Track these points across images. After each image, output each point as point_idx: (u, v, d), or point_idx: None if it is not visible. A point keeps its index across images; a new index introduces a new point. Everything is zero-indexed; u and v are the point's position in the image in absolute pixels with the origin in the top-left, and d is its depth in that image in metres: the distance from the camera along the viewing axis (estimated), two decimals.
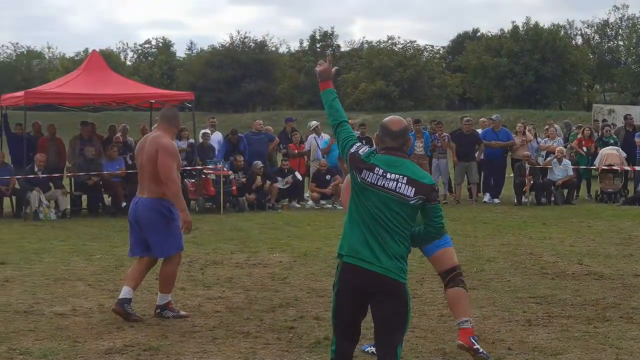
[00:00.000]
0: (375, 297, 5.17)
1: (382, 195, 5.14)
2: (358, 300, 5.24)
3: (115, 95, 19.50)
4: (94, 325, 8.08)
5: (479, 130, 21.75)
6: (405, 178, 5.14)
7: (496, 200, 20.55)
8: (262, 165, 19.54)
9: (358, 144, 5.34)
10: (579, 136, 22.37)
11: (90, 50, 22.58)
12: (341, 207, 19.52)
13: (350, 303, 5.24)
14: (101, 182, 18.71)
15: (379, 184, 5.14)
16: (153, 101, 20.56)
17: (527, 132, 21.70)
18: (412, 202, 5.11)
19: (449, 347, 7.19)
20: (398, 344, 5.25)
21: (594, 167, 21.10)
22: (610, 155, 20.83)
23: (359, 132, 22.00)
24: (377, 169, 5.16)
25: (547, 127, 23.65)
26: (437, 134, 20.86)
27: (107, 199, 19.11)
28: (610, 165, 20.62)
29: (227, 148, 20.66)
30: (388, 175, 5.14)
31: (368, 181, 5.16)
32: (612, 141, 21.80)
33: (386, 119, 5.47)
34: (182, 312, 8.52)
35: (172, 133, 8.41)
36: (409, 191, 5.11)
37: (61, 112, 26.32)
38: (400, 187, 5.12)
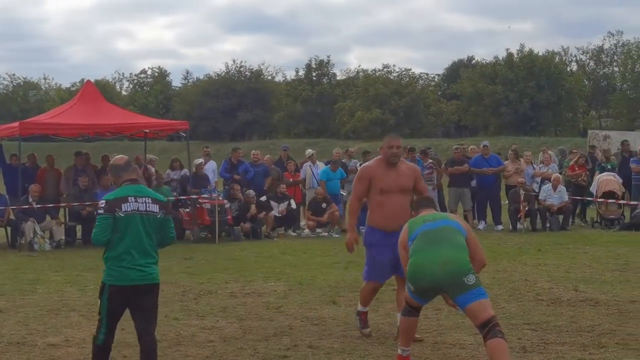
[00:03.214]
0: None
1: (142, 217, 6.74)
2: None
3: (110, 125, 19.48)
4: (86, 356, 8.01)
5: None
6: (150, 199, 6.81)
7: (500, 227, 20.48)
8: (254, 194, 19.50)
9: None
10: (571, 163, 22.35)
11: (86, 81, 22.49)
12: (337, 235, 19.54)
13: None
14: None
15: (139, 209, 6.69)
16: (148, 131, 20.56)
17: (521, 160, 21.72)
18: (158, 216, 6.77)
19: None
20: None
21: (589, 199, 21.11)
22: (609, 181, 20.85)
23: (362, 160, 22.08)
24: (130, 197, 6.70)
25: (541, 153, 23.73)
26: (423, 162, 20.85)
27: None
28: (610, 191, 20.65)
29: (226, 167, 20.61)
30: (140, 200, 6.73)
31: (129, 210, 6.66)
32: (609, 166, 21.84)
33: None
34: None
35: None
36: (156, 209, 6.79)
37: (56, 142, 26.32)
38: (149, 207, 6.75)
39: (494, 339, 6.70)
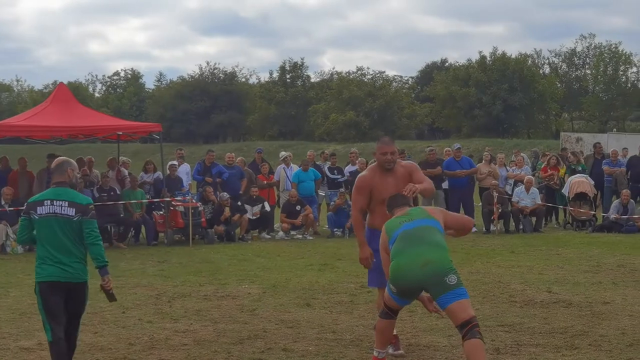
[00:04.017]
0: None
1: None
2: None
3: (83, 127, 19.36)
4: None
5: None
6: (67, 202, 6.95)
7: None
8: (229, 196, 19.45)
9: None
10: (543, 165, 22.50)
11: (58, 83, 22.37)
12: (311, 238, 19.55)
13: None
14: None
15: (55, 211, 6.92)
16: (121, 133, 20.46)
17: (492, 164, 21.79)
18: (74, 219, 6.92)
19: None
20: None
21: (559, 207, 21.25)
22: (581, 183, 20.97)
23: (329, 162, 22.12)
24: (46, 201, 6.96)
25: (514, 155, 23.86)
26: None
27: None
28: (582, 192, 20.79)
29: (200, 169, 20.53)
30: (56, 203, 6.93)
31: (44, 213, 6.93)
32: (580, 169, 21.98)
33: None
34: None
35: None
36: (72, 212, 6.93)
37: (29, 145, 26.14)
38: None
39: (471, 340, 6.72)
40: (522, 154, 24.22)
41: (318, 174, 21.01)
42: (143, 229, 19.31)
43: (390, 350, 7.94)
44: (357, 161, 21.74)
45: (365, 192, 8.27)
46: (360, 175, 8.67)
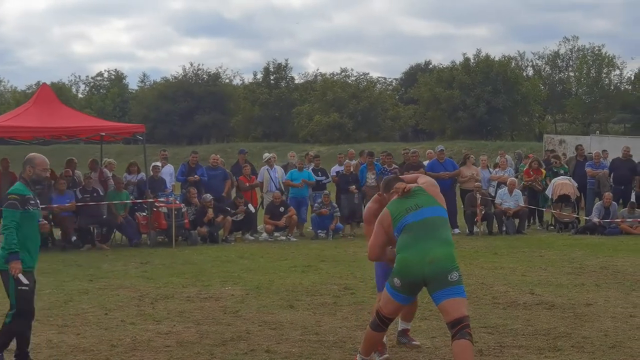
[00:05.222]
0: None
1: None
2: None
3: (66, 128, 19.27)
4: None
5: (426, 162, 21.85)
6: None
7: (457, 231, 20.50)
8: (212, 198, 19.41)
9: None
10: (525, 168, 22.56)
11: (41, 84, 22.29)
12: (295, 239, 19.54)
13: None
14: (51, 216, 18.50)
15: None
16: (104, 134, 20.39)
17: (473, 166, 21.83)
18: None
19: None
20: None
21: (541, 209, 21.32)
22: (564, 185, 21.05)
23: (313, 164, 22.09)
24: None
25: (499, 156, 23.94)
26: (386, 166, 20.94)
27: (58, 233, 18.90)
28: (565, 194, 20.87)
29: (184, 170, 20.48)
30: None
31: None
32: (562, 171, 22.04)
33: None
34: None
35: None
36: None
37: (11, 145, 26.00)
38: None
39: (461, 340, 6.71)
40: (507, 155, 24.27)
41: (312, 176, 21.03)
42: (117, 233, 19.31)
43: (376, 358, 7.89)
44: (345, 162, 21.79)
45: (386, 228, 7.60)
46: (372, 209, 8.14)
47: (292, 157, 22.53)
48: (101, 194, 19.12)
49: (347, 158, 22.75)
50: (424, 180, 7.64)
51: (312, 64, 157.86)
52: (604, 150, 24.58)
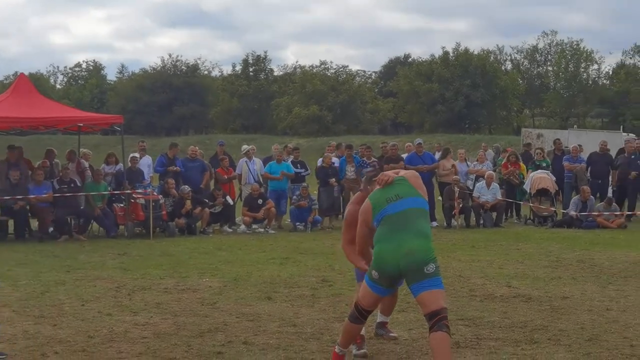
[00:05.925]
0: None
1: None
2: None
3: (43, 119, 19.16)
4: (17, 352, 7.89)
5: (404, 155, 21.88)
6: None
7: (434, 224, 20.47)
8: (189, 189, 19.37)
9: None
10: (504, 161, 22.64)
11: (19, 74, 22.16)
12: (273, 231, 19.52)
13: None
14: (28, 207, 18.41)
15: None
16: (82, 124, 20.28)
17: (451, 159, 21.88)
18: None
19: None
20: None
21: (519, 202, 21.40)
22: (543, 179, 21.14)
23: (292, 156, 22.05)
24: None
25: (482, 150, 24.02)
26: (365, 159, 20.95)
27: (35, 224, 18.82)
28: (543, 188, 20.96)
29: (163, 162, 20.40)
30: None
31: None
32: (544, 164, 22.13)
33: None
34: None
35: None
36: None
37: None
38: None
39: (438, 332, 6.66)
40: (489, 149, 24.33)
41: (291, 168, 20.97)
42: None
43: (354, 351, 7.88)
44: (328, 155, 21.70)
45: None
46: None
47: (277, 150, 22.50)
48: (79, 185, 19.05)
49: (327, 151, 22.70)
50: (407, 172, 7.62)
51: (291, 56, 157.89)
52: (579, 145, 24.68)
